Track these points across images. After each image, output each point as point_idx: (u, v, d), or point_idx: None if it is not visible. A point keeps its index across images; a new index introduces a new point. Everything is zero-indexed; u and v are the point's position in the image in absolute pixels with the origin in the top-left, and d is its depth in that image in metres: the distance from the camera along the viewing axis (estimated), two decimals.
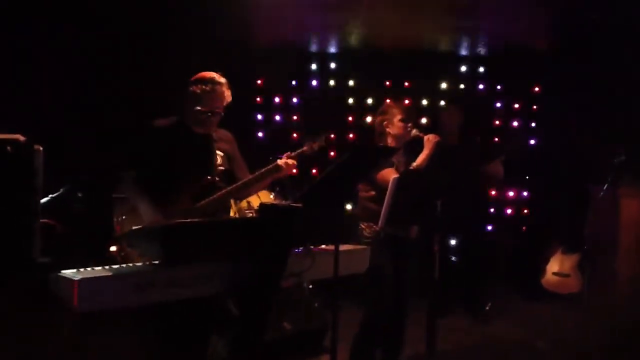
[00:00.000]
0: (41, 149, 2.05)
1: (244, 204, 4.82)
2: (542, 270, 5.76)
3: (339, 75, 6.42)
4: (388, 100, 3.84)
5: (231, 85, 2.95)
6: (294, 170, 3.03)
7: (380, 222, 2.94)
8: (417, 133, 3.51)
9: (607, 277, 5.15)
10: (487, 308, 5.27)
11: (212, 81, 2.88)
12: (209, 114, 2.85)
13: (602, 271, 5.28)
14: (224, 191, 2.88)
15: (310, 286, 4.83)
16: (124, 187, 2.84)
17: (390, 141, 3.58)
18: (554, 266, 5.70)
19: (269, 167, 2.93)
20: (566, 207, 5.75)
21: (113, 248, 3.19)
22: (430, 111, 6.03)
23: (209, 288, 2.31)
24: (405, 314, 3.61)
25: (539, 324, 4.94)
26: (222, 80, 2.93)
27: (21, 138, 2.12)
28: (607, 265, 5.18)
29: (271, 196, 4.94)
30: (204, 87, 2.86)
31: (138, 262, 2.49)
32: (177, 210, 2.77)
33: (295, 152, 3.02)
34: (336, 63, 6.41)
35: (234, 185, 2.91)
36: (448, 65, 6.32)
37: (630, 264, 4.96)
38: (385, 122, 3.59)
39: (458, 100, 5.06)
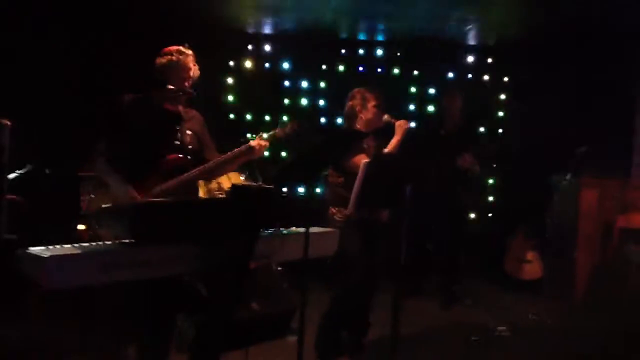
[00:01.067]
0: (9, 123, 2.02)
1: (214, 184, 4.80)
2: (505, 257, 5.91)
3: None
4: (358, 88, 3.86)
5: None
6: (265, 152, 3.04)
7: (349, 207, 2.97)
8: (389, 119, 3.55)
9: (567, 265, 5.32)
10: (455, 291, 5.36)
11: (179, 52, 2.88)
12: (180, 92, 2.84)
13: (562, 259, 5.45)
14: (194, 171, 2.87)
15: (279, 268, 4.86)
16: (95, 164, 2.81)
17: (360, 126, 3.62)
18: (516, 252, 5.86)
19: (241, 148, 2.94)
20: (529, 195, 5.89)
21: (81, 226, 3.16)
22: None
23: (177, 268, 2.32)
24: (371, 297, 3.68)
25: (502, 309, 5.06)
26: (189, 52, 2.92)
27: None
28: (567, 254, 5.35)
29: (241, 178, 4.93)
30: (170, 57, 2.86)
31: (106, 240, 2.48)
32: (146, 188, 2.76)
33: (268, 134, 3.02)
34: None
35: (206, 165, 2.90)
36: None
37: (589, 253, 5.13)
38: (357, 107, 3.63)
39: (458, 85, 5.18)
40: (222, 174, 3.38)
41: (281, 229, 2.52)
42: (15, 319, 2.42)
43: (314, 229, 2.64)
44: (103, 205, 2.37)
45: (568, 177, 4.99)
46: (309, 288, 4.62)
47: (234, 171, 4.92)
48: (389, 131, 3.62)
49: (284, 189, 2.38)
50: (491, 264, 5.99)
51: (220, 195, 4.69)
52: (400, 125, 3.49)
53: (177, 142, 2.89)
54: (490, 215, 6.63)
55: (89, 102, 3.07)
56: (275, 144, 3.10)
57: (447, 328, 4.68)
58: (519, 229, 5.88)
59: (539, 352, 4.16)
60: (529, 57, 6.27)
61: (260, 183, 5.16)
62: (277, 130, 3.04)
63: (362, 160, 3.34)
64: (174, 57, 2.85)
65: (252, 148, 2.92)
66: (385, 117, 3.58)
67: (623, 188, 5.14)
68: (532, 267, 5.78)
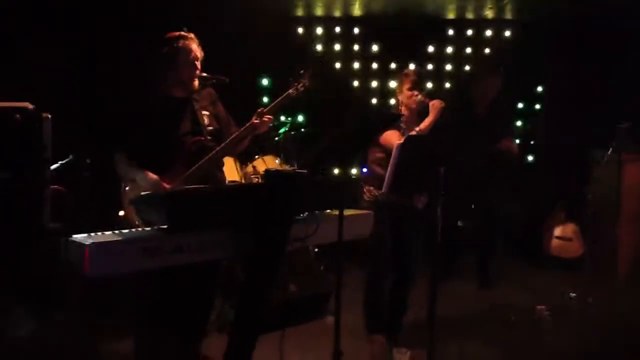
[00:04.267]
0: (50, 116, 2.08)
1: (249, 168, 4.86)
2: (545, 235, 5.82)
3: None
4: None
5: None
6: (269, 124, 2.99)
7: (384, 188, 2.96)
8: (423, 98, 3.52)
9: (609, 243, 5.20)
10: (490, 272, 5.32)
11: (181, 37, 2.89)
12: (213, 80, 2.87)
13: (604, 237, 5.33)
14: (216, 150, 2.89)
15: (316, 249, 4.90)
16: (117, 166, 2.87)
17: (402, 109, 3.63)
18: (557, 231, 5.77)
19: (246, 126, 2.93)
20: (569, 173, 5.76)
21: (121, 213, 3.24)
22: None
23: (215, 253, 2.37)
24: (407, 281, 3.69)
25: (541, 289, 4.99)
26: (191, 35, 2.93)
27: (30, 106, 2.15)
28: (609, 231, 5.22)
29: (277, 161, 4.97)
30: (174, 44, 2.86)
31: (141, 227, 2.55)
32: (172, 176, 2.81)
33: (275, 102, 2.99)
34: None
35: (223, 144, 2.92)
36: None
37: (632, 230, 5.00)
38: (397, 90, 3.65)
39: (498, 68, 4.99)
40: (237, 152, 3.40)
41: (316, 212, 2.53)
42: (58, 308, 2.51)
43: (348, 212, 2.64)
44: (142, 193, 2.43)
45: (609, 153, 4.85)
46: (346, 269, 4.72)
47: (270, 154, 4.98)
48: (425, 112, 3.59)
49: (318, 172, 2.38)
50: (530, 243, 5.90)
51: (256, 179, 4.75)
52: (434, 106, 3.45)
53: (195, 128, 2.91)
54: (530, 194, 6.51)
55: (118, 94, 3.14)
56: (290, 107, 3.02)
57: (485, 309, 4.64)
58: (558, 206, 5.77)
59: (579, 332, 4.10)
60: (567, 32, 6.09)
61: (295, 166, 5.21)
62: (290, 91, 2.99)
63: (394, 137, 3.34)
64: (179, 44, 2.87)
65: (254, 126, 2.90)
66: (419, 97, 3.54)
67: None
68: (573, 245, 5.68)
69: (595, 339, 3.95)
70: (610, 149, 4.84)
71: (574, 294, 4.83)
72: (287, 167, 5.08)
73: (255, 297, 2.43)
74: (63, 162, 2.80)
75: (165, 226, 2.28)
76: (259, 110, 2.93)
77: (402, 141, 2.91)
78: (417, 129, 3.38)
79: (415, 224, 3.52)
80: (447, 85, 6.47)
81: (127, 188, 2.86)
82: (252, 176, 4.77)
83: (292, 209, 2.32)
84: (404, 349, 3.32)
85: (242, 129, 2.90)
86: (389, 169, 2.91)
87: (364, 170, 4.15)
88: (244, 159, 4.84)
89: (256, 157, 4.90)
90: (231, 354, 2.51)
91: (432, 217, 3.03)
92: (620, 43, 5.75)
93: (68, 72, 4.31)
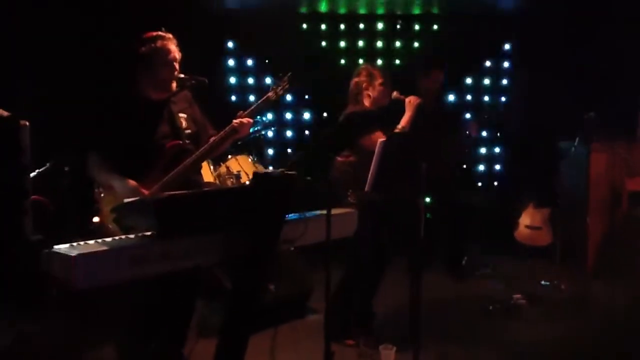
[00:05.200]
0: (27, 124, 1.99)
1: (223, 169, 4.79)
2: (515, 224, 5.92)
3: None
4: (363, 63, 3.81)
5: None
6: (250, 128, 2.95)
7: (367, 186, 2.96)
8: (398, 95, 3.52)
9: (579, 231, 5.34)
10: (463, 263, 5.40)
11: (159, 37, 2.81)
12: (193, 81, 2.81)
13: (573, 225, 5.47)
14: (196, 154, 2.84)
15: (292, 248, 4.87)
16: (91, 168, 2.79)
17: (367, 104, 3.59)
18: (526, 220, 5.87)
19: (226, 129, 2.88)
20: (538, 162, 5.89)
21: (96, 219, 3.15)
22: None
23: (204, 259, 2.32)
24: (381, 275, 3.71)
25: (515, 278, 5.09)
26: (169, 35, 2.85)
27: (5, 113, 2.05)
28: (578, 219, 5.36)
29: (249, 159, 4.91)
30: (152, 45, 2.78)
31: (116, 234, 2.47)
32: (150, 181, 2.74)
33: (262, 99, 2.95)
34: None
35: (201, 150, 2.86)
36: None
37: (600, 218, 5.14)
38: (364, 84, 3.59)
39: (440, 62, 5.01)
40: (217, 154, 3.35)
41: (304, 212, 2.50)
42: (38, 318, 2.43)
43: (335, 211, 2.63)
44: (125, 200, 2.36)
45: (576, 143, 4.97)
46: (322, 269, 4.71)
47: (243, 154, 4.92)
48: (396, 109, 3.59)
49: (306, 173, 2.36)
50: (502, 233, 6.00)
51: (230, 180, 4.69)
52: (410, 102, 3.46)
53: (172, 131, 2.85)
54: (497, 184, 6.64)
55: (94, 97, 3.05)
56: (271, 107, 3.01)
57: (462, 299, 4.71)
58: (527, 196, 5.87)
59: (555, 318, 4.20)
60: (532, 23, 6.20)
61: (283, 169, 5.17)
62: (269, 94, 2.95)
63: (377, 138, 3.33)
64: (156, 44, 2.78)
65: (234, 129, 2.85)
66: (395, 94, 3.54)
67: (631, 151, 5.12)
68: (542, 233, 5.78)
69: (571, 324, 4.06)
70: (578, 139, 4.96)
71: (546, 282, 4.95)
72: (260, 167, 5.05)
73: (247, 299, 2.39)
74: (40, 170, 2.70)
75: (150, 232, 2.23)
76: (239, 113, 2.88)
77: (384, 139, 2.91)
78: (399, 126, 3.39)
79: (393, 219, 3.53)
80: None
81: (102, 194, 2.78)
82: (227, 177, 4.71)
83: (283, 211, 2.29)
84: (390, 345, 3.32)
85: (222, 132, 2.84)
86: (373, 165, 2.91)
87: None
88: (216, 160, 4.77)
89: (229, 157, 4.84)
90: (221, 358, 2.47)
91: (414, 212, 3.05)
92: (585, 32, 5.89)
93: (40, 74, 4.15)
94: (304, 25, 6.29)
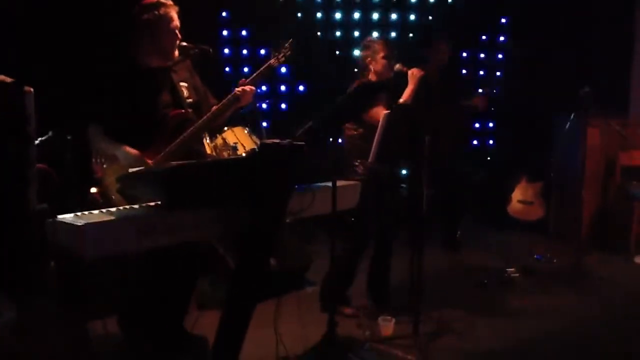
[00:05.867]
0: (32, 90, 1.94)
1: (219, 140, 4.73)
2: (507, 199, 5.96)
3: None
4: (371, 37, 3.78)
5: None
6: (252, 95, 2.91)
7: (370, 158, 2.95)
8: (401, 68, 3.50)
9: (573, 205, 5.38)
10: (458, 236, 5.43)
11: (161, 4, 2.75)
12: (196, 50, 2.76)
13: (567, 199, 5.52)
14: (198, 123, 2.81)
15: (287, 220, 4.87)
16: (94, 138, 2.74)
17: (372, 77, 3.57)
18: (518, 194, 5.91)
19: (228, 98, 2.86)
20: (530, 137, 5.91)
21: (93, 190, 3.12)
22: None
23: (211, 231, 2.31)
24: (388, 249, 3.73)
25: (509, 251, 5.14)
26: (170, 2, 2.80)
27: (7, 79, 2.00)
28: (572, 194, 5.41)
29: (245, 131, 4.86)
30: (155, 12, 2.73)
31: (120, 205, 2.45)
32: (154, 150, 2.71)
33: (257, 72, 2.91)
34: None
35: (205, 117, 2.83)
36: None
37: (594, 192, 5.19)
38: (368, 59, 3.58)
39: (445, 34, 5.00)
40: (220, 123, 3.31)
41: (310, 184, 2.49)
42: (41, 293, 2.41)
43: (339, 183, 2.62)
44: (130, 170, 2.32)
45: (571, 117, 4.98)
46: (320, 240, 4.72)
47: (239, 126, 4.87)
48: (399, 81, 3.57)
49: (312, 144, 2.34)
50: (495, 207, 6.04)
51: (227, 152, 4.64)
52: (413, 74, 3.43)
53: (174, 99, 2.81)
54: (490, 159, 6.66)
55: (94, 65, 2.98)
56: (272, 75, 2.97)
57: (457, 272, 4.76)
58: (520, 171, 5.90)
59: (549, 290, 4.26)
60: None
61: (264, 136, 5.13)
62: (271, 61, 2.92)
63: (381, 111, 3.31)
64: (159, 11, 2.73)
65: (237, 96, 2.83)
66: (397, 66, 3.52)
67: (624, 125, 5.16)
68: (534, 208, 5.82)
69: (564, 296, 4.13)
70: (573, 114, 4.97)
71: (539, 256, 5.01)
72: (256, 139, 5.00)
73: (253, 271, 2.39)
74: (43, 138, 2.65)
75: (158, 203, 2.20)
76: (241, 80, 2.84)
77: (388, 111, 2.89)
78: (401, 99, 3.36)
79: (397, 192, 3.54)
80: None
81: (104, 165, 2.74)
82: (223, 148, 4.66)
83: (290, 182, 2.28)
84: (389, 316, 3.35)
85: (225, 100, 2.81)
86: (376, 138, 2.90)
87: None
88: (213, 131, 4.72)
89: (225, 128, 4.78)
90: (226, 329, 2.47)
91: (416, 185, 3.06)
92: (580, 8, 5.87)
93: (39, 42, 4.04)
94: None
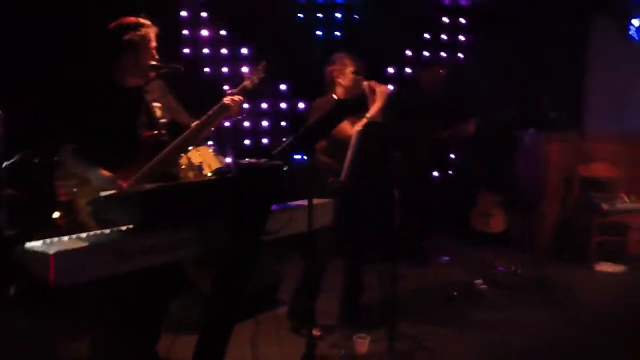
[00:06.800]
0: (1, 113, 1.86)
1: (184, 160, 4.65)
2: (470, 212, 6.07)
3: None
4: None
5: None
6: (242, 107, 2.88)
7: (343, 175, 2.95)
8: (369, 84, 3.51)
9: (533, 217, 5.53)
10: (424, 251, 5.47)
11: (142, 25, 2.69)
12: (165, 68, 2.71)
13: (529, 210, 5.65)
14: (173, 144, 2.75)
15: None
16: (65, 160, 2.65)
17: (339, 92, 3.58)
18: (480, 207, 6.03)
19: (214, 108, 2.79)
20: (492, 151, 6.03)
21: (56, 214, 3.03)
22: None
23: (188, 252, 2.25)
24: (360, 264, 3.72)
25: (474, 264, 5.22)
26: (149, 22, 2.74)
27: None
28: (533, 205, 5.55)
29: (210, 151, 4.81)
30: (136, 32, 2.67)
31: (90, 228, 2.38)
32: (128, 173, 2.64)
33: (238, 88, 2.88)
34: None
35: (183, 135, 2.77)
36: None
37: (554, 203, 5.34)
38: (335, 73, 3.58)
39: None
40: (200, 139, 3.25)
41: (287, 203, 2.47)
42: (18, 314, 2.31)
43: (314, 201, 2.61)
44: (102, 193, 2.25)
45: (533, 132, 5.13)
46: (290, 259, 4.68)
47: (203, 145, 4.80)
48: (366, 97, 3.59)
49: (289, 163, 2.33)
50: (459, 221, 6.13)
51: (191, 173, 4.57)
52: (381, 91, 3.45)
53: (148, 119, 2.76)
54: (452, 173, 6.75)
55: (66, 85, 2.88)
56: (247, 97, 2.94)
57: (425, 286, 4.78)
58: (483, 184, 6.02)
59: (516, 301, 4.34)
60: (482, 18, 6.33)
61: (231, 155, 5.08)
62: (245, 83, 2.89)
63: (347, 126, 3.31)
64: (140, 31, 2.67)
65: (226, 106, 2.78)
66: (365, 83, 3.53)
67: (581, 139, 5.34)
68: (496, 220, 5.96)
69: (531, 307, 4.21)
70: (533, 129, 5.12)
71: (502, 267, 5.10)
72: (222, 158, 4.95)
73: (233, 292, 2.35)
74: (10, 161, 2.54)
75: (130, 226, 2.14)
76: (229, 91, 2.80)
77: (361, 128, 2.90)
78: (368, 115, 3.37)
79: (369, 208, 3.55)
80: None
81: (74, 188, 2.65)
82: (188, 168, 4.58)
83: (269, 202, 2.25)
84: (364, 334, 3.34)
85: (210, 112, 2.76)
86: (348, 156, 2.90)
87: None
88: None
89: (190, 148, 4.71)
90: (204, 352, 2.41)
91: (389, 200, 3.07)
92: (538, 20, 6.06)
93: (11, 60, 3.89)
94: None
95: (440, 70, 5.07)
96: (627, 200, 5.14)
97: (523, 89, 5.72)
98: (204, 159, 4.68)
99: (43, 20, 4.19)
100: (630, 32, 6.51)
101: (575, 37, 6.41)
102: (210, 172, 4.74)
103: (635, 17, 6.46)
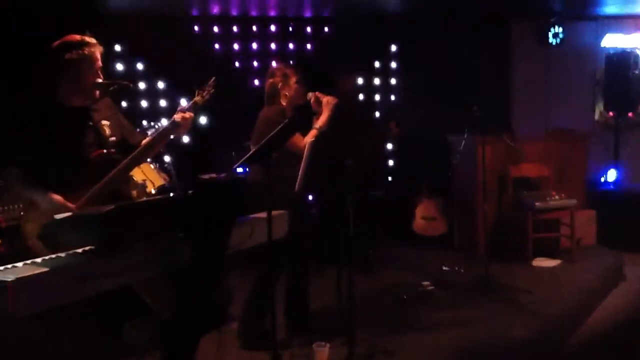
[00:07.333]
0: None
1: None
2: (411, 216, 6.21)
3: None
4: (276, 63, 3.82)
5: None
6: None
7: (297, 185, 2.98)
8: (315, 95, 3.56)
9: (472, 219, 5.73)
10: (369, 256, 5.54)
11: (86, 43, 2.63)
12: (115, 85, 2.65)
13: (466, 212, 5.86)
14: (123, 162, 2.69)
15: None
16: (10, 184, 2.56)
17: (284, 103, 3.60)
18: (421, 211, 6.19)
19: (165, 126, 2.77)
20: (429, 156, 6.23)
21: None
22: None
23: (148, 272, 2.20)
24: (307, 274, 3.75)
25: (419, 266, 5.35)
26: (94, 41, 2.68)
27: None
28: (470, 206, 5.76)
29: (152, 167, 4.72)
30: (80, 51, 2.59)
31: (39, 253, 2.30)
32: (77, 193, 2.56)
33: (188, 105, 2.84)
34: None
35: (133, 154, 2.71)
36: None
37: (489, 203, 5.54)
38: (279, 84, 3.60)
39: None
40: (150, 157, 3.19)
41: (247, 216, 2.47)
42: None
43: (275, 213, 2.62)
44: (57, 216, 2.17)
45: (465, 136, 5.32)
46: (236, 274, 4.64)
47: (145, 163, 4.70)
48: (310, 107, 3.63)
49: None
50: (399, 225, 6.27)
51: (135, 189, 4.46)
52: (328, 102, 3.50)
53: (97, 139, 2.69)
54: (391, 179, 6.92)
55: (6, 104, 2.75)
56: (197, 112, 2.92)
57: (374, 291, 4.84)
58: (421, 189, 6.18)
59: (463, 300, 4.48)
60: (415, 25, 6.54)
61: (172, 171, 5.00)
62: (196, 98, 2.85)
63: (297, 138, 3.34)
64: (84, 50, 2.60)
65: (177, 123, 2.73)
66: (310, 94, 3.58)
67: (512, 141, 5.59)
68: (437, 223, 6.13)
69: (477, 304, 4.36)
70: (466, 133, 5.31)
71: (447, 268, 5.26)
72: (164, 175, 4.87)
73: (195, 310, 2.32)
74: None
75: (89, 248, 2.09)
76: (179, 108, 2.77)
77: (313, 138, 2.94)
78: (317, 126, 3.42)
79: (323, 216, 3.59)
80: None
81: (21, 212, 2.54)
82: (131, 186, 4.48)
83: (231, 216, 2.24)
84: (323, 342, 3.36)
85: (161, 129, 2.72)
86: (302, 167, 2.93)
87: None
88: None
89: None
90: None
91: (343, 209, 3.12)
92: (459, 30, 6.34)
93: None
94: (196, 28, 6.14)
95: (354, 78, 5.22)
96: (557, 197, 5.42)
97: (451, 96, 5.94)
98: (147, 175, 4.61)
99: None
100: (549, 39, 6.95)
101: (496, 43, 6.77)
102: (154, 189, 4.68)
103: (553, 25, 6.89)
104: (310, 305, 3.84)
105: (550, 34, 6.98)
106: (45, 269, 1.93)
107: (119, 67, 5.90)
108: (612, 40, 7.15)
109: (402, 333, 3.83)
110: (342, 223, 3.11)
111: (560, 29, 6.92)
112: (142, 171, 4.62)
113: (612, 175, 7.03)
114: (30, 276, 1.87)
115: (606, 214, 6.03)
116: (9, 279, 1.82)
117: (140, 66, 5.99)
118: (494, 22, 6.73)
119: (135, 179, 4.54)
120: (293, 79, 3.60)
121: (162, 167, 4.95)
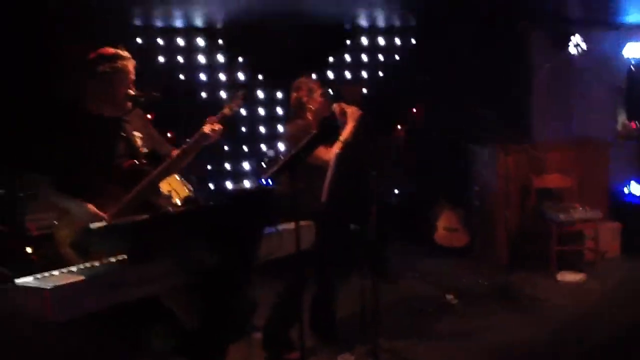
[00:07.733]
0: None
1: None
2: (433, 227, 6.19)
3: None
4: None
5: None
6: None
7: (323, 196, 3.00)
8: (342, 106, 3.58)
9: (493, 228, 5.69)
10: (389, 266, 5.52)
11: (120, 57, 2.70)
12: (142, 97, 2.71)
13: (488, 222, 5.82)
14: (154, 173, 2.74)
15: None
16: (44, 194, 2.62)
17: (310, 116, 3.63)
18: (443, 222, 6.17)
19: (194, 137, 2.80)
20: (450, 166, 6.20)
21: (29, 249, 2.95)
22: None
23: (176, 280, 2.24)
24: (335, 285, 3.76)
25: (441, 277, 5.32)
26: (127, 54, 2.75)
27: None
28: (492, 216, 5.71)
29: (177, 178, 4.76)
30: (114, 64, 2.67)
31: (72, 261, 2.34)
32: (109, 204, 2.61)
33: (217, 116, 2.87)
34: None
35: (164, 164, 2.77)
36: None
37: (511, 214, 5.51)
38: (304, 98, 3.63)
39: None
40: (181, 167, 3.23)
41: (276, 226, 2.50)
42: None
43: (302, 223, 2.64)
44: (92, 225, 2.21)
45: (487, 146, 5.31)
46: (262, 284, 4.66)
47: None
48: (336, 119, 3.66)
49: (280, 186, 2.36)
50: (421, 235, 6.24)
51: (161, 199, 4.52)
52: (353, 113, 3.52)
53: (129, 150, 2.75)
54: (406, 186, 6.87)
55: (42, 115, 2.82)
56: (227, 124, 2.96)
57: (396, 301, 4.82)
58: (443, 199, 6.16)
59: (485, 311, 4.45)
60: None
61: (194, 182, 5.05)
62: (224, 110, 2.89)
63: (323, 150, 3.36)
64: (117, 63, 2.68)
65: (206, 135, 2.77)
66: (335, 106, 3.60)
67: (534, 151, 5.57)
68: (459, 234, 6.10)
69: (501, 315, 4.33)
70: (488, 143, 5.31)
71: (468, 279, 5.22)
72: (189, 185, 4.91)
73: (221, 319, 2.35)
74: None
75: (120, 257, 2.13)
76: (209, 118, 2.81)
77: (339, 150, 2.96)
78: (342, 138, 3.43)
79: (347, 230, 3.60)
80: None
81: (54, 221, 2.60)
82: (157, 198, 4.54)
83: (259, 226, 2.27)
84: (347, 353, 3.36)
85: (191, 141, 2.76)
86: (329, 176, 2.96)
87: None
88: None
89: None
90: None
91: (368, 219, 3.14)
92: (486, 37, 6.32)
93: None
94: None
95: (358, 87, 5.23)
96: (582, 209, 5.37)
97: (471, 104, 5.91)
98: (172, 186, 4.65)
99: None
100: (569, 48, 6.91)
101: (517, 53, 6.74)
102: (180, 199, 4.73)
103: (574, 34, 6.85)
104: (336, 315, 3.84)
105: (571, 44, 6.94)
106: (81, 277, 1.98)
107: None
108: (633, 50, 7.10)
109: (427, 343, 3.82)
110: (365, 233, 3.12)
111: (581, 39, 6.89)
112: (168, 182, 4.67)
113: (635, 188, 6.90)
114: (67, 284, 1.92)
115: (630, 226, 5.96)
116: (47, 287, 1.88)
117: None
118: (515, 32, 6.71)
119: (161, 189, 4.60)
120: (318, 92, 3.64)
121: (185, 176, 4.99)
